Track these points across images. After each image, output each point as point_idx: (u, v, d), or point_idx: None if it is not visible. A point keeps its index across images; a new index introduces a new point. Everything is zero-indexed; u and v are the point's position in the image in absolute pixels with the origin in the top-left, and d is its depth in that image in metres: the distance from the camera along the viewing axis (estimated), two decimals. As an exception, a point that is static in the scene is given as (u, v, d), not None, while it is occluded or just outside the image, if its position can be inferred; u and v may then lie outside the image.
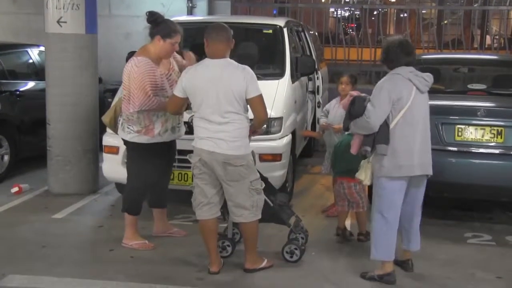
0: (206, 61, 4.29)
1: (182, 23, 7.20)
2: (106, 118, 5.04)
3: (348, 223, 5.66)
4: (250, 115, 4.29)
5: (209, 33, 4.26)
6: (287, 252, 4.68)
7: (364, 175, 4.39)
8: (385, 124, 4.21)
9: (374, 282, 4.40)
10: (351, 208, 5.19)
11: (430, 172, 4.39)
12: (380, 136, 4.20)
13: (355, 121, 4.29)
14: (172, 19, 6.80)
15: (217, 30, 4.28)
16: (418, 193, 4.45)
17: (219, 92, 4.14)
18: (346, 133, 4.94)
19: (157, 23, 4.72)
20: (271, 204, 4.57)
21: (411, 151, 4.24)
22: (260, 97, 4.21)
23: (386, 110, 4.20)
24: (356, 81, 5.79)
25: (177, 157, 5.44)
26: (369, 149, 4.25)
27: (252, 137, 4.43)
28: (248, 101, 4.18)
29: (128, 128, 4.78)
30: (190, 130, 4.87)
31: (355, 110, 4.27)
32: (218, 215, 4.46)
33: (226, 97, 4.14)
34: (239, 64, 4.24)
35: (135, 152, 4.85)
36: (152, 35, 4.75)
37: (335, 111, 5.74)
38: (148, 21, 4.75)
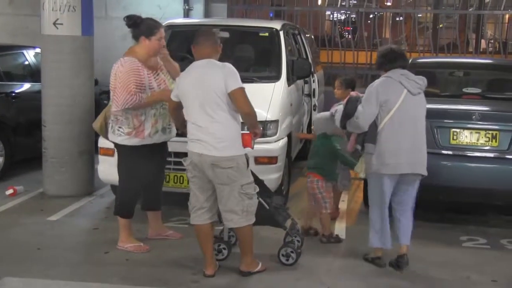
0: (193, 64, 4.36)
1: (178, 26, 7.26)
2: (96, 124, 5.04)
3: (343, 226, 5.70)
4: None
5: (195, 39, 4.36)
6: (283, 255, 4.68)
7: (360, 168, 4.72)
8: (374, 125, 4.49)
9: (369, 284, 4.42)
10: (315, 207, 5.26)
11: (421, 171, 4.56)
12: (369, 136, 4.50)
13: (349, 121, 4.59)
14: (168, 21, 6.83)
15: (202, 35, 4.37)
16: (409, 191, 4.63)
17: (203, 92, 4.16)
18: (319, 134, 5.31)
19: (137, 25, 4.75)
20: (267, 207, 4.57)
21: (399, 151, 4.46)
22: (241, 90, 4.16)
23: (374, 111, 4.47)
24: (350, 84, 5.84)
25: (172, 159, 5.45)
26: (359, 147, 4.59)
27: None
28: (229, 96, 4.15)
29: (119, 130, 4.77)
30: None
31: (348, 109, 4.60)
32: (213, 220, 4.44)
33: (209, 96, 4.15)
34: (221, 62, 4.27)
35: (126, 155, 4.83)
36: (136, 37, 4.77)
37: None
38: (128, 25, 4.77)
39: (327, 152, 5.16)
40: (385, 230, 4.65)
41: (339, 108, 5.53)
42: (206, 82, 4.17)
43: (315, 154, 5.27)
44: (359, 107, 4.52)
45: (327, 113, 5.34)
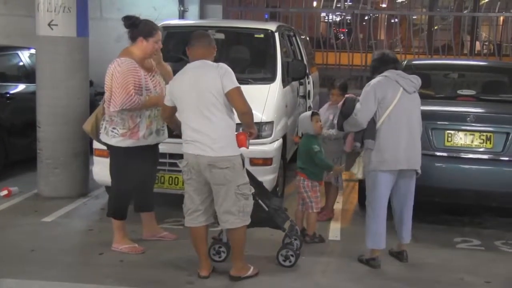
0: (187, 65, 4.36)
1: (173, 27, 7.26)
2: (87, 126, 5.02)
3: (338, 227, 5.71)
4: (237, 119, 4.31)
5: (190, 41, 4.37)
6: (281, 255, 4.67)
7: (357, 169, 4.82)
8: (373, 121, 4.60)
9: (364, 285, 4.44)
10: (303, 207, 5.29)
11: (417, 167, 4.68)
12: (368, 132, 4.61)
13: (347, 120, 4.70)
14: (163, 22, 6.82)
15: (196, 37, 4.37)
16: (407, 188, 4.74)
17: (198, 93, 4.16)
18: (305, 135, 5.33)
19: (136, 25, 4.74)
20: (266, 209, 4.56)
21: (397, 147, 4.57)
22: (238, 89, 4.17)
23: (372, 108, 4.57)
24: (346, 88, 5.92)
25: (167, 160, 5.45)
26: (359, 144, 4.69)
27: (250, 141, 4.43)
28: (226, 95, 4.15)
29: (113, 131, 4.76)
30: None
31: (346, 109, 4.72)
32: (208, 223, 4.44)
33: (205, 97, 4.15)
34: (215, 63, 4.27)
35: (119, 156, 4.82)
36: (133, 38, 4.75)
37: (325, 116, 5.82)
38: (127, 25, 4.75)
39: (308, 153, 5.18)
40: (381, 231, 4.70)
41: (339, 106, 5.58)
42: (202, 83, 4.17)
43: (299, 154, 5.32)
44: (358, 105, 4.64)
45: (309, 113, 5.35)
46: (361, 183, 5.96)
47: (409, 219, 4.83)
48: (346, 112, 4.71)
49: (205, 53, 4.32)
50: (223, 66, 4.23)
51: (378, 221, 4.70)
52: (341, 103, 4.99)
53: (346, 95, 5.07)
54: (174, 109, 4.38)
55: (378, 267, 4.72)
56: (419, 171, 4.71)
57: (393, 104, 4.56)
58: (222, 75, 4.16)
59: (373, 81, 4.69)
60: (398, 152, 4.58)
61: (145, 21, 4.79)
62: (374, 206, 4.70)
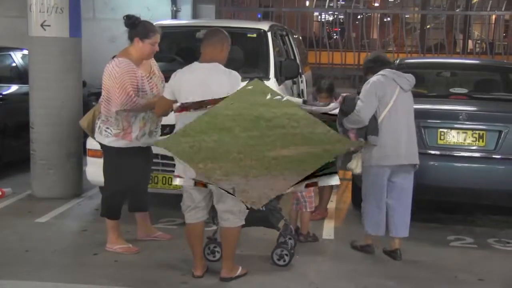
0: (194, 64, 4.32)
1: (166, 27, 7.25)
2: (83, 122, 5.01)
3: (332, 226, 5.72)
4: None
5: (203, 38, 4.35)
6: (276, 255, 4.68)
7: (355, 164, 4.88)
8: (374, 118, 4.73)
9: (358, 284, 4.45)
10: (297, 206, 5.28)
11: (416, 161, 4.82)
12: (371, 129, 4.73)
13: (348, 118, 4.79)
14: (156, 23, 6.81)
15: (206, 35, 4.36)
16: (405, 182, 4.85)
17: (203, 94, 4.14)
18: None
19: (135, 26, 4.74)
20: (261, 208, 4.57)
21: (398, 143, 4.72)
22: None
23: (374, 104, 4.71)
24: (333, 88, 5.93)
25: (161, 161, 5.44)
26: (363, 141, 4.74)
27: None
28: None
29: (106, 131, 4.76)
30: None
31: (346, 107, 4.80)
32: (205, 219, 4.44)
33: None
34: (226, 69, 4.25)
35: (113, 156, 4.82)
36: (131, 38, 4.75)
37: None
38: (126, 24, 4.74)
39: None
40: (382, 219, 4.84)
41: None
42: (209, 84, 4.15)
43: None
44: (359, 103, 4.74)
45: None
46: (355, 182, 5.99)
47: (406, 215, 4.88)
48: (347, 110, 4.81)
49: (213, 52, 4.27)
50: (235, 74, 4.22)
51: (379, 210, 4.83)
52: (339, 100, 5.01)
53: (343, 94, 5.07)
54: (173, 103, 4.35)
55: (373, 253, 4.90)
56: (417, 165, 4.83)
57: (392, 101, 4.71)
58: (233, 85, 4.15)
59: (373, 79, 4.81)
60: (399, 147, 4.72)
61: (143, 22, 4.78)
62: (376, 197, 4.82)
